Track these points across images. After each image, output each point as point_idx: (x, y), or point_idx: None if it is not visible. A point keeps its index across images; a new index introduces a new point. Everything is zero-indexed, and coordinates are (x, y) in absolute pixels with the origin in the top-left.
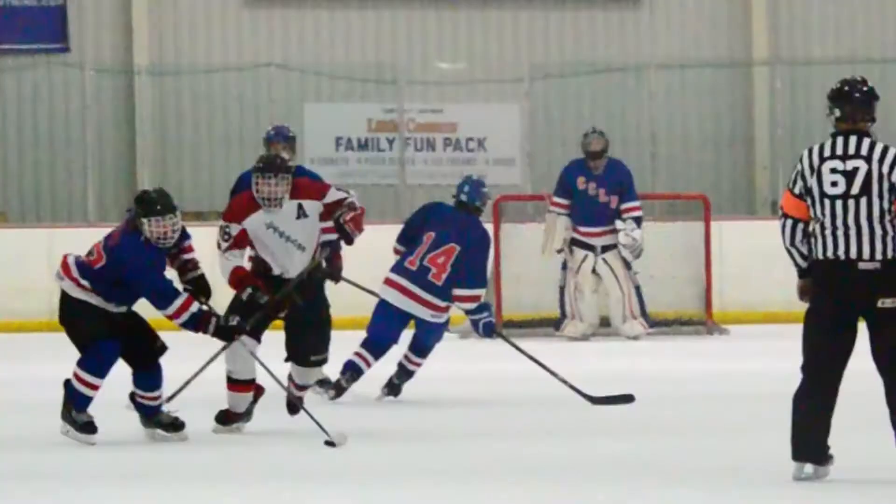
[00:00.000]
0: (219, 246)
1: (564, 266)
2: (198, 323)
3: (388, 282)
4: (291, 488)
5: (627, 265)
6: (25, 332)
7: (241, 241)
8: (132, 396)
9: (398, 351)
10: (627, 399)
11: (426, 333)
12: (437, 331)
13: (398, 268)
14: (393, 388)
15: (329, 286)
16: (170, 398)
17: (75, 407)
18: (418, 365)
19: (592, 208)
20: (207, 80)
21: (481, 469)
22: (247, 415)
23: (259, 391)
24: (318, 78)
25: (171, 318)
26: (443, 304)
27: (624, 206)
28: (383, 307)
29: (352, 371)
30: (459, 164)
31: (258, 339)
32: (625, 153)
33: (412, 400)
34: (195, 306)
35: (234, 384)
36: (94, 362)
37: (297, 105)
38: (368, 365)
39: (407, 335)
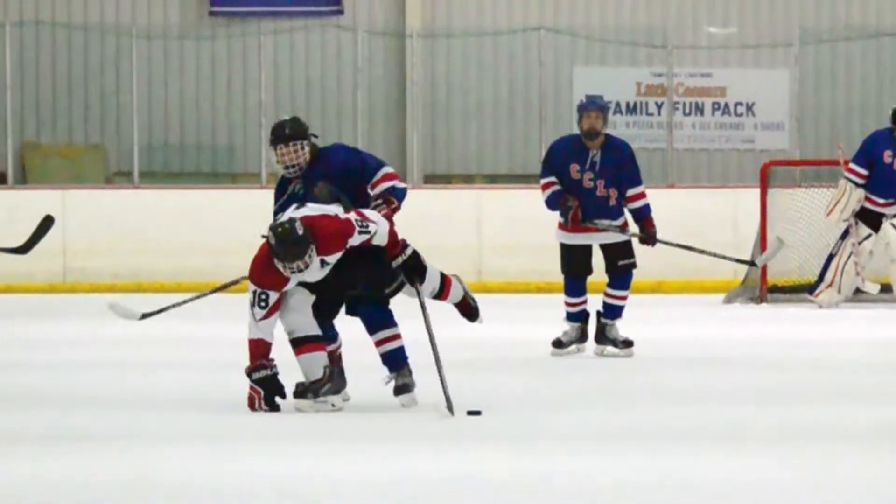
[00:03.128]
0: (252, 307)
1: (844, 235)
2: None
3: None
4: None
5: None
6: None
7: (276, 308)
8: None
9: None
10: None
11: None
12: None
13: None
14: None
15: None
16: (147, 315)
17: None
18: None
19: (892, 181)
20: (478, 44)
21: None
22: (332, 382)
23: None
24: (588, 42)
25: None
26: None
27: None
28: None
29: None
30: (728, 129)
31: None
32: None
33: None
34: None
35: (298, 346)
36: None
37: (567, 69)
38: None
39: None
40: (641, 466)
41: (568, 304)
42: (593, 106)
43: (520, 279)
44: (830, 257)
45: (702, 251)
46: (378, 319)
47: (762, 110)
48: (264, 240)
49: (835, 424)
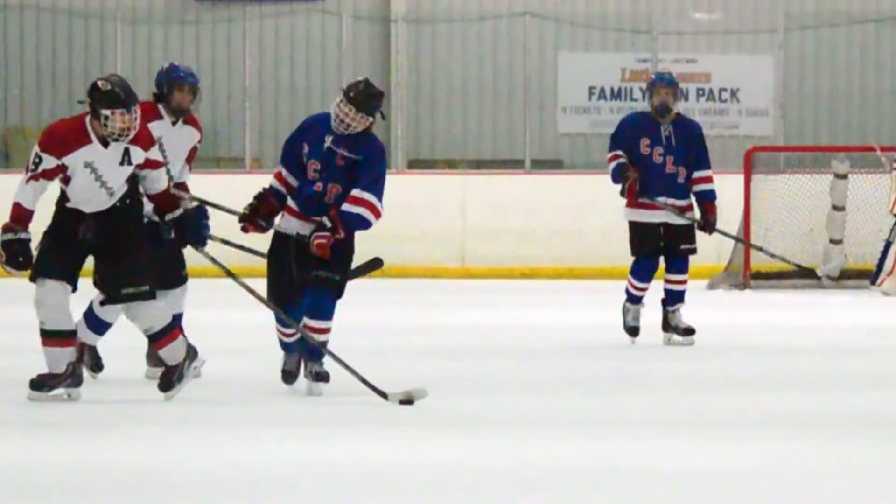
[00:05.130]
0: (27, 170)
1: None
2: None
3: None
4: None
5: None
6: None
7: (49, 175)
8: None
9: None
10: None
11: None
12: None
13: None
14: None
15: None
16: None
17: None
18: None
19: None
20: (463, 29)
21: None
22: (72, 377)
23: (83, 348)
24: (573, 27)
25: None
26: None
27: None
28: None
29: None
30: (712, 115)
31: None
32: (878, 106)
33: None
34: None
35: (47, 337)
36: None
37: (551, 54)
38: None
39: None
40: (621, 452)
41: (634, 288)
42: (665, 82)
43: (504, 265)
44: (888, 245)
45: (759, 248)
46: (315, 308)
47: (746, 96)
48: (81, 104)
49: (817, 410)
